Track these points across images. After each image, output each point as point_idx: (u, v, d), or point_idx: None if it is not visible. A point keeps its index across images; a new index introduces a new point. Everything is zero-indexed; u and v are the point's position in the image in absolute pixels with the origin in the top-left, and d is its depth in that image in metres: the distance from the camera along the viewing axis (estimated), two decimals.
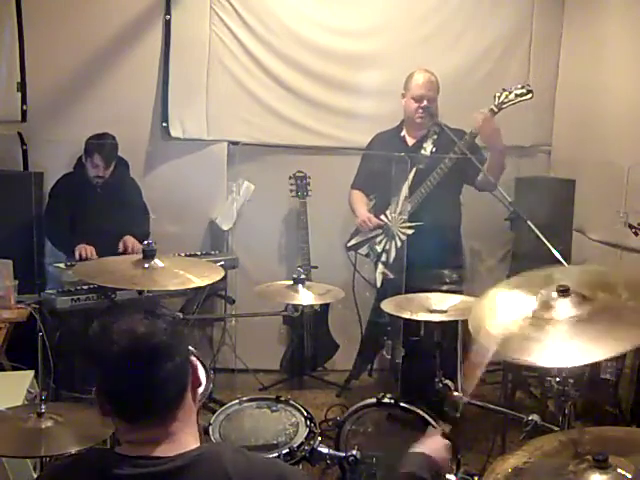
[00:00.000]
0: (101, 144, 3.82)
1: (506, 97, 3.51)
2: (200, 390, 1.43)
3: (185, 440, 1.33)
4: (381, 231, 3.80)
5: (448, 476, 1.96)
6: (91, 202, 3.87)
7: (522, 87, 3.54)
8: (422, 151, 3.75)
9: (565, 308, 1.70)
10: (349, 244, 3.97)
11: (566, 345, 1.62)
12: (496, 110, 3.52)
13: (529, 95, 3.54)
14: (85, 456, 1.39)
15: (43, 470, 2.22)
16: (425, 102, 3.71)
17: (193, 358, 1.39)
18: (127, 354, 1.29)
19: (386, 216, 3.78)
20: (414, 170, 3.69)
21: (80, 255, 3.69)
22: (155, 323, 1.34)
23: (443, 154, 3.64)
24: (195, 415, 1.41)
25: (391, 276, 3.74)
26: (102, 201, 3.88)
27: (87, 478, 1.30)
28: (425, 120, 3.73)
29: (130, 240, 3.82)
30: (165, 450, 1.30)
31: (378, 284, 3.81)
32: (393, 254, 3.75)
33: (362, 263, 4.00)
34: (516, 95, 3.52)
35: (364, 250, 3.91)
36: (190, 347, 1.39)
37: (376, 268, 3.83)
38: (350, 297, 3.98)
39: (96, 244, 3.74)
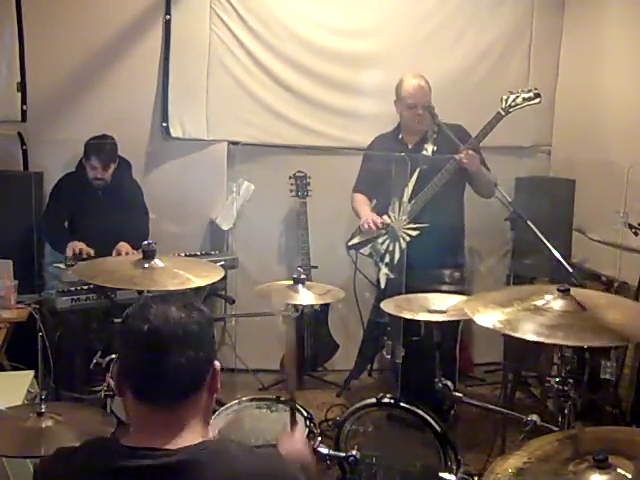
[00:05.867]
0: (99, 146, 3.79)
1: (513, 101, 3.50)
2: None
3: (191, 435, 1.33)
4: (384, 232, 3.77)
5: (448, 476, 1.96)
6: (91, 204, 3.85)
7: (529, 91, 3.54)
8: (424, 152, 3.73)
9: (559, 304, 1.93)
10: (350, 243, 3.93)
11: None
12: (503, 113, 3.51)
13: (537, 100, 3.54)
14: (86, 446, 1.36)
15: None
16: (420, 110, 3.68)
17: (217, 364, 1.40)
18: (153, 331, 1.32)
19: (389, 217, 3.75)
20: (417, 171, 3.66)
21: (74, 252, 3.66)
22: (191, 313, 1.37)
23: (445, 153, 3.63)
24: (207, 416, 1.41)
25: (391, 276, 3.73)
26: (103, 204, 3.85)
27: (89, 469, 1.29)
28: (424, 124, 3.71)
29: (124, 247, 3.75)
30: (167, 442, 1.29)
31: (382, 285, 3.76)
32: (397, 255, 3.71)
33: (363, 262, 3.98)
34: (524, 99, 3.52)
35: (366, 250, 3.87)
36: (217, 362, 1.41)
37: (379, 269, 3.80)
38: (350, 297, 3.97)
39: (95, 246, 3.72)
